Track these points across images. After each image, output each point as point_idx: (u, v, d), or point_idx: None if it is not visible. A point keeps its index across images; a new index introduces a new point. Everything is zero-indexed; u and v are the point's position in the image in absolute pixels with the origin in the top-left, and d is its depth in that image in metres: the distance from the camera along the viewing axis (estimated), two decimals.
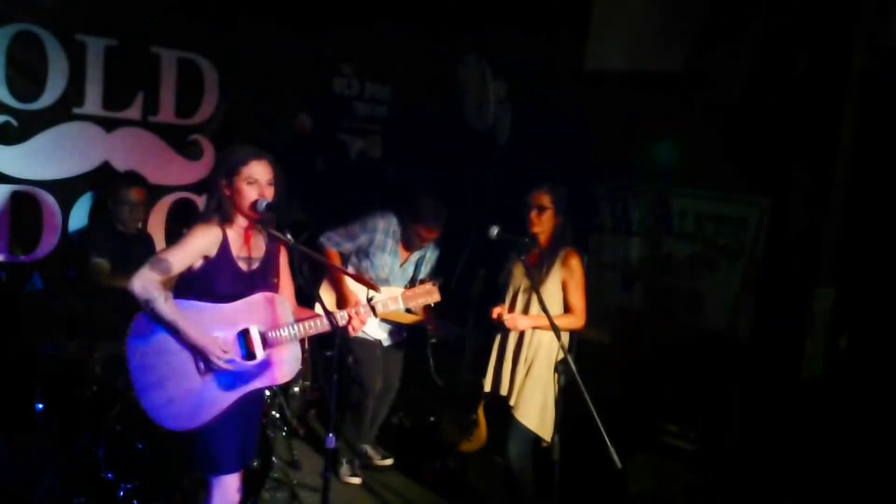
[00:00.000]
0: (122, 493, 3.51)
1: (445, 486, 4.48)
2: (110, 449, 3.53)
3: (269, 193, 2.86)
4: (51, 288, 4.44)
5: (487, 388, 3.86)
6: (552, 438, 3.35)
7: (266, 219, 2.90)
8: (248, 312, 2.92)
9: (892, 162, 4.03)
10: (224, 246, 2.86)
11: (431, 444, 4.54)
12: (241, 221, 2.91)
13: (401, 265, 4.42)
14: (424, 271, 4.50)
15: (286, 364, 3.02)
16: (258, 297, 2.95)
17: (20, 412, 3.99)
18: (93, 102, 4.56)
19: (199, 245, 2.83)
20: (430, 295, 3.29)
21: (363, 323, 3.07)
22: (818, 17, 4.08)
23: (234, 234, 2.90)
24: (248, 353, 2.92)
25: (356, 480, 4.47)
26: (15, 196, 4.39)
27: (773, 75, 4.29)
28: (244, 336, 2.91)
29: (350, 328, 3.04)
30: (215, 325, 2.85)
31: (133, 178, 4.33)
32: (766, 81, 4.32)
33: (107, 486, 3.52)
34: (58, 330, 4.05)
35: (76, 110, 4.51)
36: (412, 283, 4.45)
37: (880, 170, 4.07)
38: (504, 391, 3.76)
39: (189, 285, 2.86)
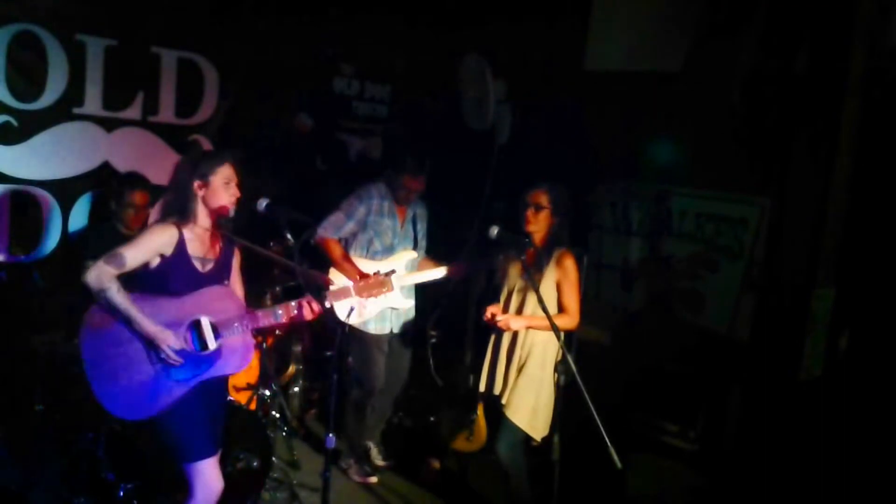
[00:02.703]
0: (122, 493, 3.51)
1: (445, 487, 4.48)
2: (110, 449, 3.54)
3: (237, 194, 3.01)
4: (51, 288, 4.44)
5: (482, 387, 3.86)
6: (553, 438, 3.34)
7: (227, 220, 3.04)
8: (200, 304, 3.00)
9: (893, 162, 4.03)
10: (180, 245, 2.96)
11: (431, 444, 4.54)
12: (203, 222, 3.01)
13: (401, 226, 4.46)
14: (422, 229, 4.57)
15: (238, 354, 3.09)
16: (209, 290, 3.04)
17: (20, 412, 3.99)
18: (93, 102, 4.56)
19: (154, 244, 2.94)
20: (382, 286, 3.33)
21: (313, 314, 3.14)
22: (818, 16, 4.08)
23: (192, 235, 3.00)
24: (201, 344, 2.99)
25: (373, 479, 4.49)
26: (15, 196, 4.39)
27: (773, 75, 4.29)
28: (196, 327, 2.99)
29: (305, 314, 3.12)
30: (167, 317, 2.94)
31: (137, 181, 4.33)
32: (766, 81, 4.32)
33: (107, 486, 3.52)
34: (58, 329, 4.06)
35: (76, 110, 4.51)
36: (414, 242, 4.53)
37: (881, 170, 4.07)
38: (498, 390, 3.78)
39: (143, 282, 2.96)
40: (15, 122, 4.32)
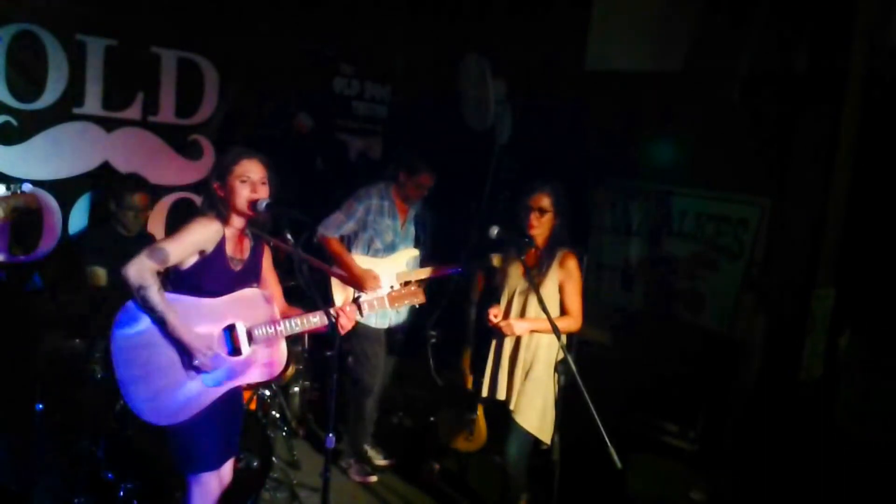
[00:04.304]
0: (122, 493, 3.51)
1: (445, 487, 4.48)
2: (110, 449, 3.54)
3: (264, 192, 2.89)
4: (51, 288, 4.44)
5: (485, 392, 3.82)
6: (552, 439, 3.35)
7: (261, 219, 2.93)
8: (235, 308, 2.93)
9: (893, 162, 4.03)
10: (221, 243, 2.88)
11: (431, 444, 4.54)
12: (236, 222, 2.93)
13: (402, 225, 4.48)
14: (424, 229, 4.59)
15: (272, 361, 3.04)
16: (246, 293, 2.97)
17: (20, 412, 3.99)
18: (93, 102, 4.56)
19: (199, 238, 2.83)
20: (415, 296, 3.30)
21: (351, 321, 3.07)
22: (818, 16, 4.08)
23: (230, 234, 2.92)
24: (234, 349, 2.93)
25: (373, 479, 4.49)
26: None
27: (773, 75, 4.29)
28: (230, 331, 2.92)
29: (339, 327, 3.02)
30: (202, 319, 2.86)
31: (138, 183, 4.33)
32: (766, 81, 4.32)
33: (107, 486, 3.52)
34: (58, 330, 4.05)
35: (76, 110, 4.51)
36: (416, 242, 4.55)
37: (880, 170, 4.07)
38: (502, 395, 3.73)
39: (177, 281, 2.87)
40: (15, 122, 4.31)
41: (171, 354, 2.83)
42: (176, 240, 2.81)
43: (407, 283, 3.34)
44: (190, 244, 2.82)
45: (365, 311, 3.15)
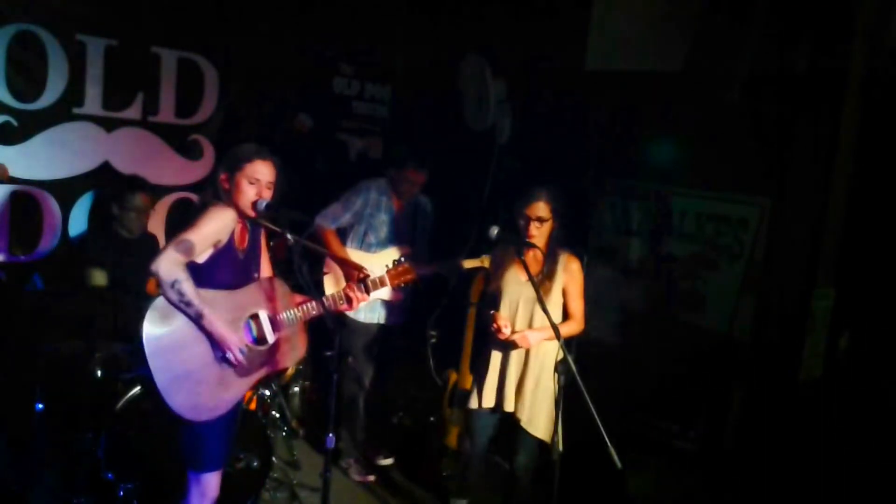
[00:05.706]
0: (122, 493, 3.51)
1: (445, 486, 4.47)
2: (110, 449, 3.54)
3: (268, 195, 2.88)
4: (51, 288, 4.44)
5: (489, 403, 3.67)
6: (552, 439, 3.34)
7: (262, 219, 2.94)
8: (255, 297, 2.96)
9: (893, 162, 4.03)
10: (232, 233, 2.88)
11: (431, 444, 4.54)
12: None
13: (397, 221, 4.51)
14: (422, 227, 4.61)
15: (293, 347, 3.08)
16: (262, 282, 3.00)
17: (20, 412, 3.99)
18: (93, 102, 4.56)
19: (219, 226, 2.81)
20: (408, 273, 3.52)
21: (360, 300, 3.22)
22: (819, 16, 4.08)
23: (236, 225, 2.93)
24: (258, 338, 2.95)
25: (371, 478, 4.50)
26: (15, 196, 4.39)
27: (773, 75, 4.29)
28: (253, 321, 2.95)
29: (350, 304, 3.19)
30: (225, 312, 2.85)
31: (140, 185, 4.33)
32: (766, 81, 4.32)
33: (107, 486, 3.52)
34: (58, 330, 4.05)
35: (76, 110, 4.52)
36: (411, 239, 4.57)
37: (880, 170, 4.07)
38: (510, 407, 3.61)
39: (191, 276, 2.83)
40: (15, 122, 4.32)
41: (203, 351, 2.80)
42: (197, 230, 2.77)
43: (402, 264, 3.52)
44: (210, 233, 2.79)
45: (370, 289, 3.29)
